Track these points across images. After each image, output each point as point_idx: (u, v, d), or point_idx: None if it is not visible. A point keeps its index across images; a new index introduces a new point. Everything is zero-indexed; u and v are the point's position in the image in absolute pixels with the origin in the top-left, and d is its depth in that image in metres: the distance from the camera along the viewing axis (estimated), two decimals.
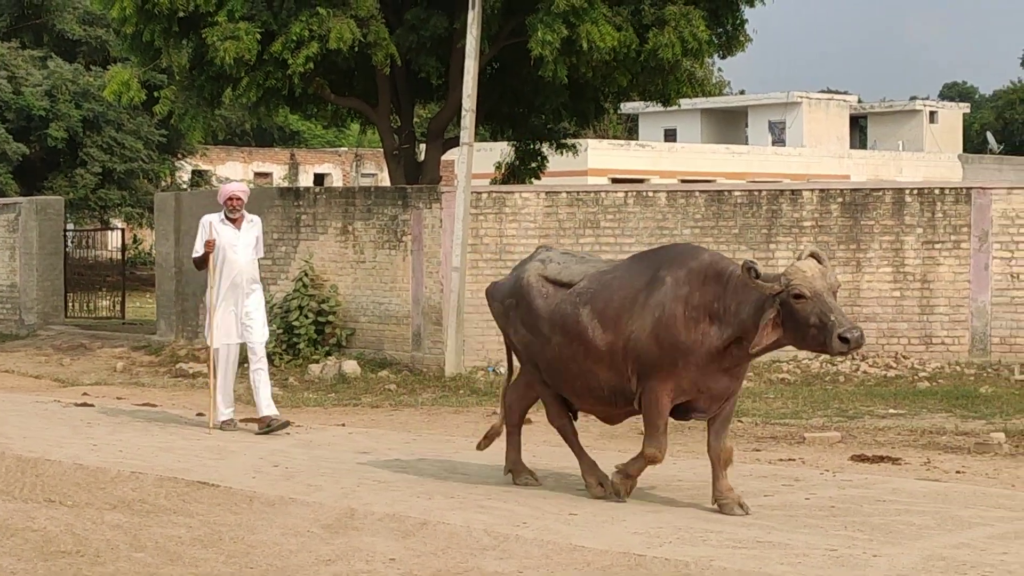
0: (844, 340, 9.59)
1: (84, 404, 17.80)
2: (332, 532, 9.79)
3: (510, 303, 11.34)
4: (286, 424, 15.10)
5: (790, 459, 13.20)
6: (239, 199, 15.63)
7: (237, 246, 15.50)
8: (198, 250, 15.63)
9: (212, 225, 15.51)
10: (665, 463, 12.92)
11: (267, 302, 21.97)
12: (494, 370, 20.12)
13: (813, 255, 9.99)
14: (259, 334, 15.58)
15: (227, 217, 15.56)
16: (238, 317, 15.52)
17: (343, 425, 15.70)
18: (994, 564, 8.75)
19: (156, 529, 9.85)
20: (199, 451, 13.66)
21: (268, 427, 14.95)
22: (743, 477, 11.96)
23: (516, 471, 11.70)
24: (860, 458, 13.21)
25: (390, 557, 8.99)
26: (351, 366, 20.48)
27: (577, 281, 10.90)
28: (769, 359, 20.33)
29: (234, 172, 60.76)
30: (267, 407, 15.18)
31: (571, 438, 11.47)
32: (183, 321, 24.66)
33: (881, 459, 13.08)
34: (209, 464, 12.81)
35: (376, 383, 19.72)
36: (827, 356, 20.06)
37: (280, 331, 21.29)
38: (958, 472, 12.58)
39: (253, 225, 15.77)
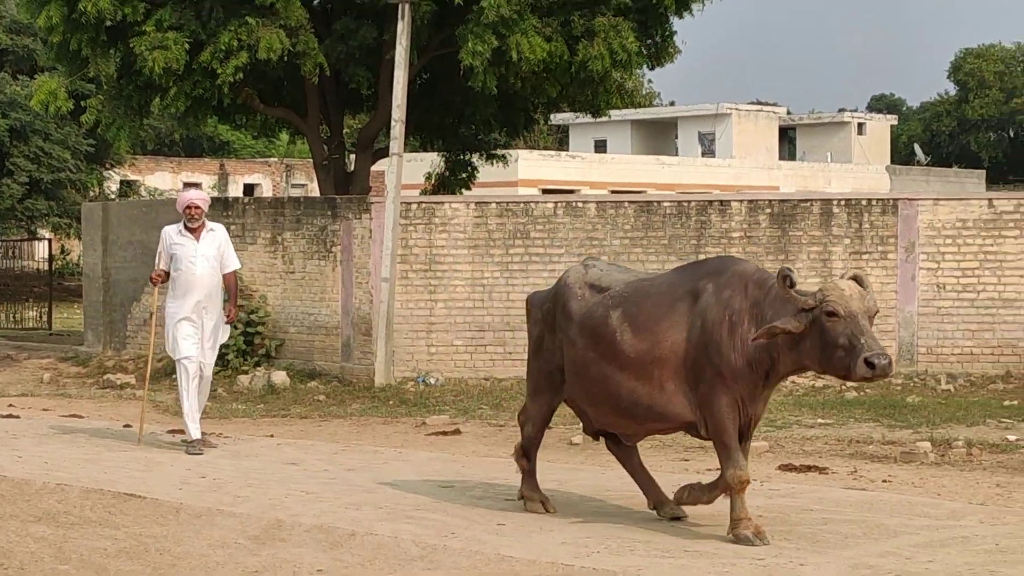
0: (870, 365, 9.13)
1: (9, 416, 17.64)
2: (259, 543, 9.74)
3: (548, 308, 10.89)
4: (200, 449, 14.35)
5: (718, 468, 13.21)
6: (198, 208, 14.78)
7: (195, 258, 14.67)
8: (157, 266, 14.99)
9: (170, 236, 14.78)
10: (592, 472, 12.97)
11: None
12: (423, 380, 20.10)
13: (855, 278, 9.61)
14: (212, 355, 14.89)
15: (186, 227, 14.76)
16: (201, 331, 14.68)
17: (272, 436, 15.64)
18: (919, 572, 8.81)
19: (81, 541, 9.77)
20: (125, 462, 13.57)
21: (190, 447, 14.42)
22: (671, 487, 11.99)
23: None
24: (788, 467, 13.28)
25: (317, 568, 8.96)
26: (280, 377, 20.40)
27: (614, 287, 10.50)
28: None
29: (163, 182, 60.46)
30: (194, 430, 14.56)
31: (532, 453, 11.07)
32: (111, 332, 24.49)
33: (808, 468, 13.15)
34: (136, 476, 12.72)
35: (305, 394, 19.66)
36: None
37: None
38: (884, 481, 12.65)
39: (214, 235, 14.87)
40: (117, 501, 11.33)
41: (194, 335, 14.64)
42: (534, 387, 11.08)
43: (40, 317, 31.25)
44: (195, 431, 14.52)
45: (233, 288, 15.11)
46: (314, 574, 8.80)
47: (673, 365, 9.92)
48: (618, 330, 10.16)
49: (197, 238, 14.72)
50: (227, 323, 15.08)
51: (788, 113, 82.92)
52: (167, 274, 14.84)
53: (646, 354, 10.00)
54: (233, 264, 15.04)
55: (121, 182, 54.08)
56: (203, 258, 14.68)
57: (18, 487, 11.93)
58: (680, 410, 9.95)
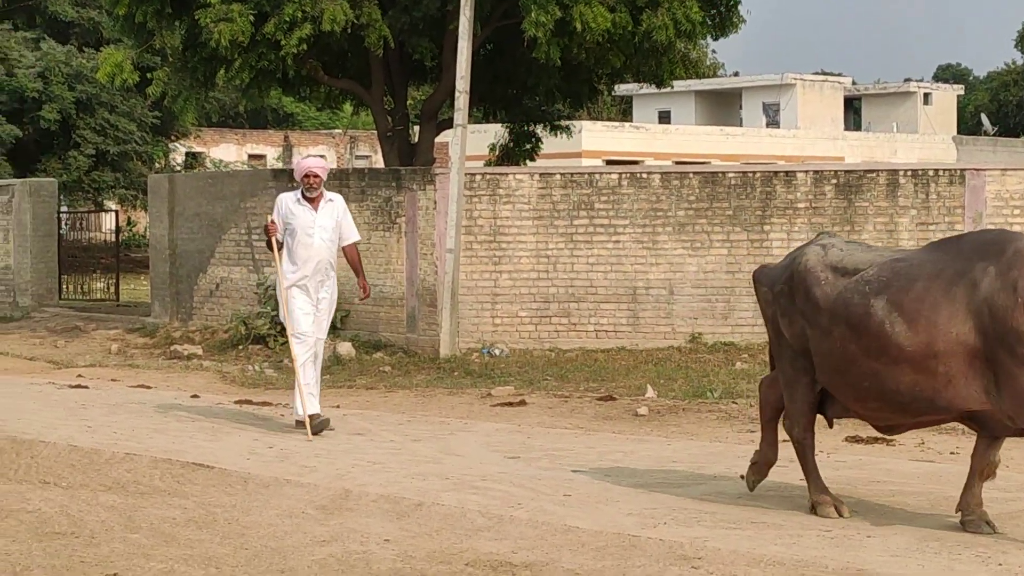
0: None
1: (79, 386, 17.80)
2: (327, 513, 9.79)
3: (782, 289, 9.98)
4: (324, 425, 13.69)
5: (784, 440, 13.17)
6: (317, 176, 13.96)
7: (313, 229, 13.91)
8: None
9: (286, 204, 14.00)
10: (658, 444, 12.97)
11: (261, 284, 22.12)
12: (488, 352, 20.13)
13: None
14: (323, 328, 14.11)
15: (304, 196, 14.01)
16: (315, 305, 13.98)
17: (338, 407, 15.68)
18: (988, 544, 8.77)
19: (151, 510, 9.85)
20: (193, 432, 13.67)
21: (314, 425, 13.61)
22: (738, 459, 11.98)
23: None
24: (854, 439, 13.21)
25: (385, 538, 8.99)
26: (346, 348, 20.47)
27: (863, 269, 9.55)
28: (763, 341, 20.33)
29: (228, 154, 60.77)
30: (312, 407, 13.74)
31: (808, 454, 10.07)
32: (177, 303, 24.65)
33: (875, 440, 13.07)
34: (203, 446, 12.81)
35: (371, 365, 19.72)
36: None
37: (274, 313, 21.25)
38: (952, 453, 12.58)
39: (333, 205, 14.11)
40: (186, 471, 11.42)
41: (310, 309, 13.95)
42: (786, 380, 10.12)
43: (108, 288, 31.44)
44: (313, 406, 13.71)
45: (358, 261, 14.54)
46: (381, 544, 8.84)
47: (961, 358, 9.04)
48: (886, 321, 9.25)
49: (315, 208, 13.98)
50: (363, 299, 14.79)
51: (853, 83, 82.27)
52: (280, 243, 14.06)
53: (926, 347, 9.12)
54: (354, 236, 14.41)
55: (186, 154, 54.37)
56: (321, 229, 13.94)
57: (88, 457, 12.04)
58: (969, 403, 9.16)
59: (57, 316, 27.11)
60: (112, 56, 24.30)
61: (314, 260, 13.88)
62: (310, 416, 13.56)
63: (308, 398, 13.69)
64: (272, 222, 14.06)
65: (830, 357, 9.60)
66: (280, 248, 14.05)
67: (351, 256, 14.42)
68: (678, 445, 12.91)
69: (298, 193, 14.04)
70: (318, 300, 13.97)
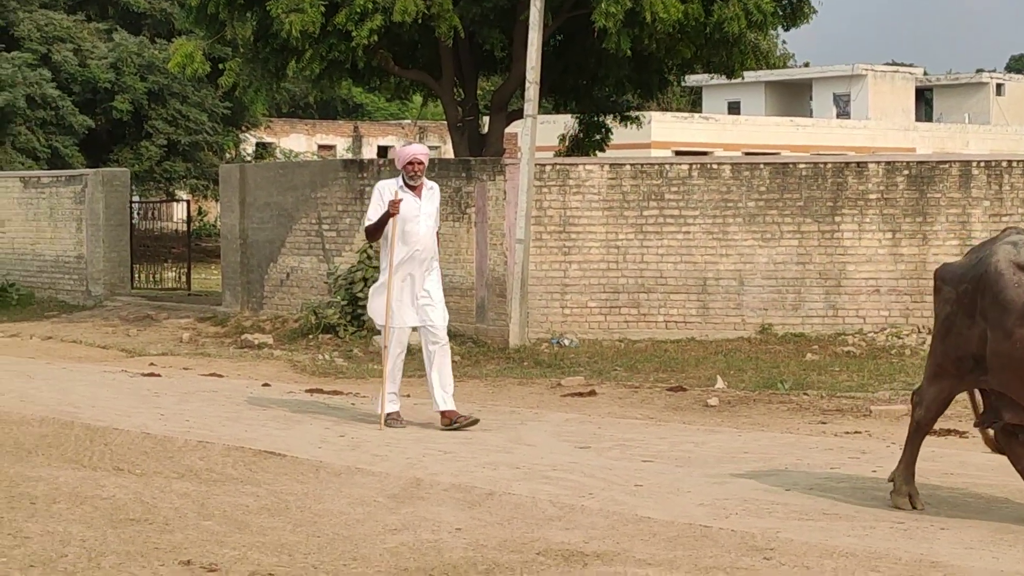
0: None
1: (151, 374, 17.93)
2: (398, 502, 9.82)
3: (966, 289, 9.44)
4: (475, 422, 13.43)
5: (856, 432, 13.15)
6: (421, 164, 13.59)
7: (419, 216, 13.51)
8: (371, 218, 13.65)
9: (389, 192, 13.56)
10: (729, 434, 12.95)
11: (331, 273, 22.20)
12: (558, 342, 20.13)
13: None
14: (440, 315, 13.69)
15: (407, 184, 13.60)
16: (414, 296, 13.60)
17: (408, 396, 15.70)
18: None
19: (223, 498, 9.91)
20: (265, 421, 13.74)
21: (453, 424, 13.36)
22: (809, 450, 11.95)
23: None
24: None
25: (456, 527, 9.01)
26: (416, 337, 20.46)
27: None
28: (834, 332, 20.27)
29: (298, 145, 61.02)
30: (447, 401, 13.53)
31: (918, 439, 9.80)
32: (248, 293, 24.79)
33: (948, 432, 12.99)
34: (275, 434, 12.88)
35: None
36: (893, 328, 19.99)
37: (344, 303, 21.37)
38: None
39: (433, 193, 13.77)
40: (258, 458, 11.49)
41: (410, 300, 13.57)
42: (935, 370, 9.74)
43: (179, 278, 31.62)
44: (448, 403, 13.45)
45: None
46: (453, 532, 8.86)
47: None
48: None
49: (419, 195, 13.61)
50: None
51: (925, 74, 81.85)
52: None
53: None
54: (438, 223, 14.09)
55: (257, 144, 54.63)
56: (426, 216, 13.57)
57: (161, 444, 12.13)
58: None
59: (129, 305, 27.31)
60: (184, 47, 24.44)
61: (420, 248, 13.54)
62: (386, 420, 13.40)
63: (389, 397, 13.49)
64: (396, 200, 13.45)
65: (1011, 360, 9.12)
66: (385, 230, 13.56)
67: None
68: (748, 436, 12.88)
69: (399, 180, 13.65)
70: (425, 287, 13.61)
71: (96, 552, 8.29)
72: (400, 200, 13.41)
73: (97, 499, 9.81)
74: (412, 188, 13.58)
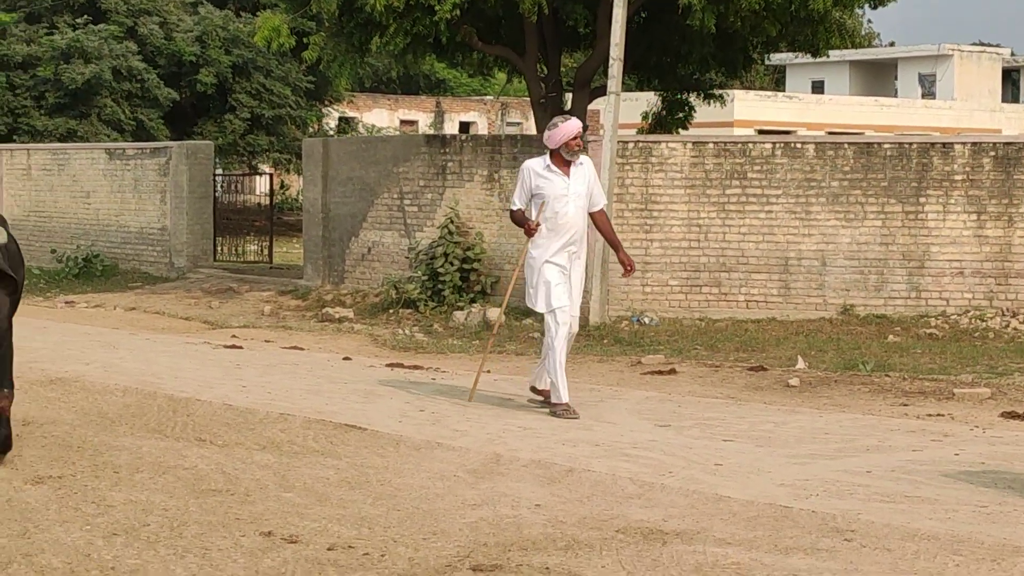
0: None
1: (233, 346, 18.05)
2: (478, 477, 9.84)
3: None
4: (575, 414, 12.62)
5: (939, 414, 13.04)
6: (579, 141, 12.80)
7: (568, 197, 12.75)
8: (515, 203, 13.04)
9: (534, 172, 12.87)
10: (810, 415, 12.88)
11: (412, 248, 22.26)
12: (638, 320, 20.09)
13: None
14: (577, 303, 13.05)
15: (562, 159, 12.79)
16: (568, 278, 12.90)
17: (488, 372, 15.75)
18: None
19: (304, 470, 9.96)
20: (346, 394, 13.79)
21: (551, 410, 12.81)
22: (891, 432, 11.86)
23: None
24: (1010, 415, 13.00)
25: (535, 503, 9.02)
26: (495, 313, 20.52)
27: None
28: (916, 314, 20.12)
29: (380, 120, 61.19)
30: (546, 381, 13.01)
31: None
32: (330, 266, 24.90)
33: None
34: (356, 407, 12.93)
35: (520, 331, 19.76)
36: (977, 311, 19.80)
37: (425, 278, 21.43)
38: None
39: (583, 169, 12.88)
40: (338, 432, 11.53)
41: (564, 283, 12.81)
42: None
43: (261, 251, 31.81)
44: (564, 392, 12.76)
45: (612, 230, 13.63)
46: (532, 508, 8.87)
47: None
48: None
49: (567, 173, 12.83)
50: (626, 275, 13.34)
51: (1012, 55, 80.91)
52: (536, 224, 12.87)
53: None
54: (602, 200, 13.18)
55: (339, 119, 54.80)
56: (575, 196, 12.76)
57: (243, 416, 12.21)
58: None
59: (212, 277, 27.50)
60: (269, 20, 24.54)
61: (569, 231, 12.80)
62: (558, 405, 12.72)
63: (559, 383, 12.75)
64: (532, 227, 12.80)
65: None
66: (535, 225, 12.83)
67: (602, 224, 13.32)
68: (830, 417, 12.80)
69: (546, 159, 12.89)
70: (571, 273, 12.91)
71: (178, 522, 8.36)
72: (537, 227, 12.77)
73: (179, 469, 9.89)
74: (561, 165, 12.84)
